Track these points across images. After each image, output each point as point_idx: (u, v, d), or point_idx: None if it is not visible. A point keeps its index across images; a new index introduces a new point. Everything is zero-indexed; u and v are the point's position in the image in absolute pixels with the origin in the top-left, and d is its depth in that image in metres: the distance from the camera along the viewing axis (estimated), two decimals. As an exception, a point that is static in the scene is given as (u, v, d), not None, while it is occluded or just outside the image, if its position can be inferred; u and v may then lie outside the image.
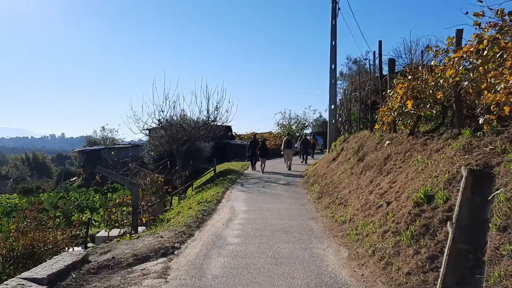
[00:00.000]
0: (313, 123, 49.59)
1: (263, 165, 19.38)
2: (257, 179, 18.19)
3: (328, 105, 18.18)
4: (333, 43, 17.68)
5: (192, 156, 24.18)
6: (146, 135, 21.22)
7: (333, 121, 17.87)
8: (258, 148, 19.28)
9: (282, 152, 20.16)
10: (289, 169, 19.92)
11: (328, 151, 17.85)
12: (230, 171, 22.05)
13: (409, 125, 9.16)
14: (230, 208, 10.63)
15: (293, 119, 45.10)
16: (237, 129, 54.36)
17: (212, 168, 22.53)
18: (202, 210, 10.01)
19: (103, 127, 52.59)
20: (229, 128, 46.60)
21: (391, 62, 11.08)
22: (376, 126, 9.61)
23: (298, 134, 41.98)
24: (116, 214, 12.39)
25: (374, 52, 16.04)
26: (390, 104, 9.38)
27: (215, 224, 8.67)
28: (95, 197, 19.09)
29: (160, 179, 15.25)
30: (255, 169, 19.92)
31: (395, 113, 9.05)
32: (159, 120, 20.33)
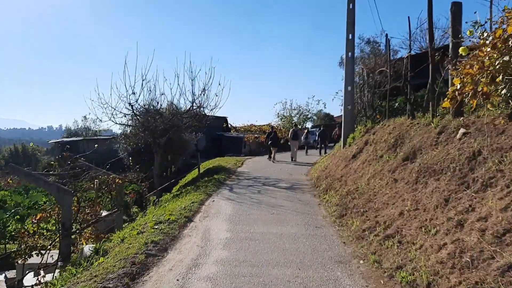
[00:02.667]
0: (313, 116, 45.46)
1: (274, 154, 19.96)
2: (252, 180, 14.25)
3: (343, 86, 14.18)
4: (351, 6, 13.65)
5: (175, 149, 20.15)
6: (116, 123, 17.22)
7: (349, 107, 13.87)
8: (270, 138, 19.73)
9: (289, 143, 20.11)
10: (295, 160, 19.43)
11: (343, 145, 13.89)
12: (220, 168, 18.10)
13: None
14: (203, 235, 6.68)
15: (295, 109, 41.02)
16: (233, 121, 50.41)
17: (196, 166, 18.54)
18: (153, 242, 6.04)
19: (85, 117, 47.96)
20: (224, 119, 42.59)
21: (456, 6, 7.16)
22: (445, 104, 5.66)
23: (300, 127, 37.97)
24: (35, 238, 8.38)
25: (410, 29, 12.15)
26: (476, 64, 5.38)
27: (162, 278, 4.72)
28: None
29: (117, 180, 11.26)
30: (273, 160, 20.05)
31: (488, 78, 5.05)
32: (130, 104, 16.29)
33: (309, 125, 43.30)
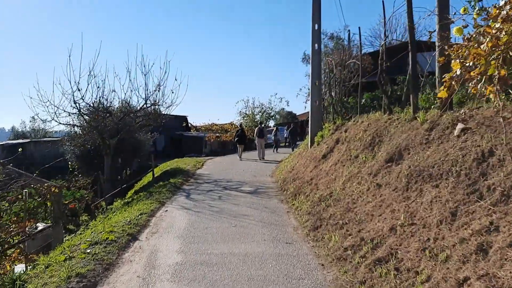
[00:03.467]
0: (276, 115, 44.55)
1: (240, 151, 20.24)
2: (212, 184, 12.94)
3: (309, 81, 13.16)
4: (317, -6, 12.65)
5: (128, 151, 18.44)
6: (60, 123, 15.34)
7: (317, 102, 12.85)
8: (237, 135, 20.01)
9: (255, 141, 20.18)
10: (262, 159, 19.08)
11: (311, 144, 12.86)
12: (178, 171, 16.62)
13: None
14: (147, 260, 5.33)
15: (258, 107, 39.84)
16: (194, 120, 48.71)
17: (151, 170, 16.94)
18: (78, 275, 4.63)
19: (33, 117, 44.11)
20: (184, 118, 40.89)
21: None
22: (441, 94, 4.68)
23: (263, 125, 36.95)
24: None
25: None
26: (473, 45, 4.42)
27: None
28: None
29: (53, 189, 9.61)
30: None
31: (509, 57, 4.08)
32: (75, 102, 14.50)
33: (271, 123, 42.37)
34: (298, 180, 10.48)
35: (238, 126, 24.64)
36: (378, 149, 7.36)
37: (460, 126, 4.96)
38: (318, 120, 13.03)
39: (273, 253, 5.54)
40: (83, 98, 14.42)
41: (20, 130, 46.50)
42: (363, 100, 19.00)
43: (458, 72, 4.62)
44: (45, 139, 33.45)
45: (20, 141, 33.53)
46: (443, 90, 4.82)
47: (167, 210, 8.82)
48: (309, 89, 27.56)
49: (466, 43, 4.80)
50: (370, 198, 5.87)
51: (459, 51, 4.90)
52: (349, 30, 29.31)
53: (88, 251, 5.57)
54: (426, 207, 4.38)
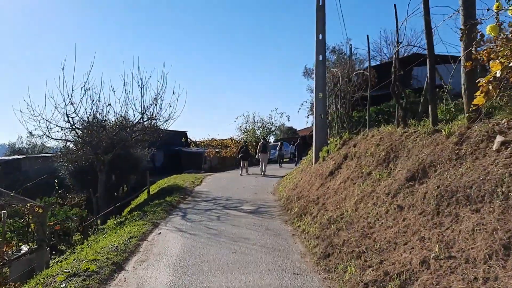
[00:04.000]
0: (275, 131, 43.85)
1: (246, 167, 20.34)
2: (211, 202, 12.15)
3: (313, 93, 12.49)
4: (320, 2, 12.07)
5: (124, 167, 17.67)
6: (52, 138, 14.64)
7: (321, 115, 12.14)
8: (241, 152, 20.21)
9: (257, 156, 20.37)
10: (264, 174, 18.94)
11: (315, 160, 12.11)
12: (175, 188, 15.84)
13: None
14: (131, 298, 4.55)
15: (258, 123, 39.19)
16: (193, 135, 48.02)
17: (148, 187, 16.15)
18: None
19: (30, 132, 42.96)
20: (183, 134, 40.19)
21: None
22: (478, 100, 3.95)
23: (266, 141, 36.26)
24: None
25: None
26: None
27: None
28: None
29: (37, 209, 8.81)
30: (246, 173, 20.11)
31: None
32: (68, 116, 13.81)
33: (271, 139, 41.65)
34: (303, 198, 9.70)
35: (243, 142, 25.01)
36: (394, 166, 6.61)
37: (499, 139, 4.23)
38: (323, 134, 12.31)
39: (279, 287, 4.75)
40: (76, 112, 13.72)
41: (17, 145, 45.67)
42: (346, 122, 18.41)
43: (498, 74, 3.93)
44: (41, 155, 32.68)
45: (16, 157, 32.77)
46: (479, 96, 4.12)
47: (160, 233, 8.02)
48: (312, 103, 26.96)
49: (503, 42, 4.11)
50: (391, 222, 5.09)
51: (493, 53, 4.22)
52: (350, 45, 28.96)
53: (63, 286, 4.77)
54: (466, 236, 3.61)
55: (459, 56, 6.21)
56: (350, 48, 27.85)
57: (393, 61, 7.59)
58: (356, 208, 6.53)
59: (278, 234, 7.54)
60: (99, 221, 15.91)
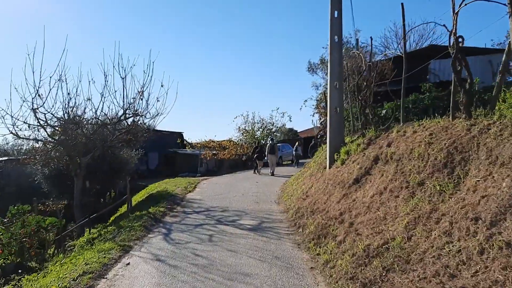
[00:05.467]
0: (276, 133, 41.58)
1: (259, 167, 20.72)
2: (203, 214, 10.03)
3: (328, 83, 10.32)
4: (336, -25, 9.95)
5: (108, 171, 15.51)
6: (19, 137, 12.50)
7: (337, 109, 9.96)
8: (256, 152, 20.66)
9: (265, 158, 20.38)
10: (272, 174, 18.95)
11: (329, 164, 9.96)
12: (164, 195, 13.70)
13: None
14: None
15: (258, 123, 36.91)
16: (189, 136, 45.87)
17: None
18: None
19: (16, 134, 40.25)
20: (179, 135, 38.05)
21: None
22: None
23: (263, 142, 34.09)
24: None
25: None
26: None
27: None
28: None
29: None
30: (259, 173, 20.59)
31: None
32: (34, 110, 11.65)
33: (271, 140, 39.31)
34: (319, 213, 7.56)
35: (256, 143, 25.57)
36: (463, 173, 4.50)
37: None
38: (339, 132, 10.15)
39: None
40: (45, 106, 11.56)
41: (2, 147, 43.30)
42: (384, 111, 16.20)
43: None
44: (25, 156, 30.44)
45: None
46: None
47: (128, 263, 5.88)
48: (317, 99, 24.70)
49: None
50: (497, 269, 2.97)
51: None
52: (357, 39, 26.77)
53: None
54: None
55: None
56: (357, 42, 25.71)
57: (453, 23, 5.44)
58: (409, 236, 4.40)
59: (291, 267, 5.42)
60: (74, 233, 13.80)
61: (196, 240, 7.25)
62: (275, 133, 39.44)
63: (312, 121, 49.66)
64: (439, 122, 6.07)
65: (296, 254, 6.07)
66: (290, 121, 59.84)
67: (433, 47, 20.54)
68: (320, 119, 22.67)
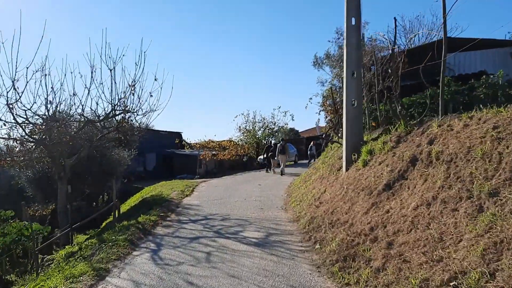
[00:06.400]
0: (277, 133, 40.11)
1: (273, 166, 20.96)
2: (201, 224, 8.67)
3: (344, 72, 8.94)
4: None
5: (98, 173, 14.13)
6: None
7: (354, 102, 8.58)
8: (270, 151, 20.93)
9: (276, 158, 20.52)
10: (282, 174, 19.24)
11: (346, 166, 8.59)
12: (158, 200, 12.34)
13: None
14: None
15: (259, 122, 35.47)
16: (188, 136, 44.49)
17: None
18: None
19: (8, 135, 38.90)
20: (177, 135, 36.68)
21: None
22: None
23: (265, 142, 32.65)
24: None
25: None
26: None
27: None
28: None
29: None
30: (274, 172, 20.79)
31: None
32: (8, 105, 10.29)
33: (272, 140, 37.93)
34: (340, 226, 6.19)
35: (269, 142, 25.54)
36: None
37: None
38: (357, 128, 8.77)
39: None
40: (19, 100, 10.17)
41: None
42: (400, 107, 14.85)
43: None
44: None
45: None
46: None
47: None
48: (324, 95, 23.30)
49: None
50: None
51: None
52: (363, 34, 25.39)
53: None
54: None
55: None
56: (363, 35, 24.29)
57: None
58: (491, 271, 3.04)
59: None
60: (59, 242, 12.45)
61: (191, 260, 5.88)
62: (276, 133, 38.08)
63: (318, 120, 48.39)
64: (501, 112, 4.70)
65: (318, 283, 4.71)
66: (293, 120, 58.49)
67: (448, 40, 19.22)
68: (326, 117, 21.31)
